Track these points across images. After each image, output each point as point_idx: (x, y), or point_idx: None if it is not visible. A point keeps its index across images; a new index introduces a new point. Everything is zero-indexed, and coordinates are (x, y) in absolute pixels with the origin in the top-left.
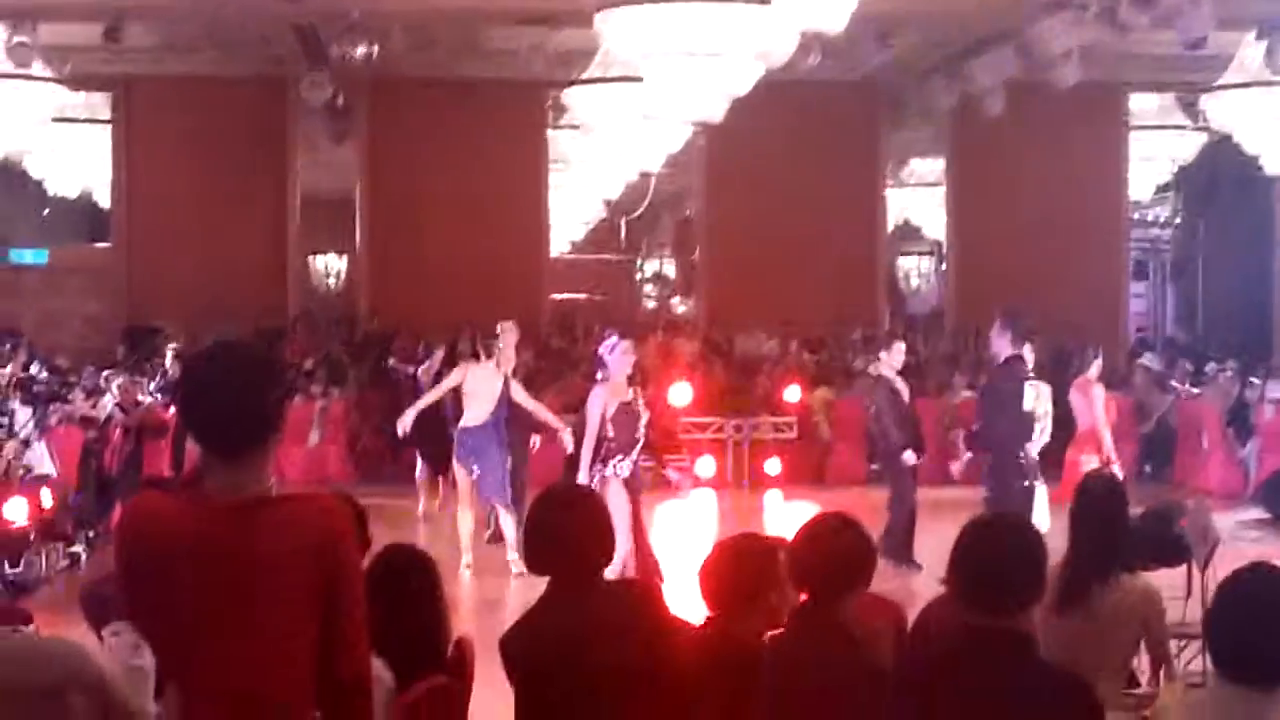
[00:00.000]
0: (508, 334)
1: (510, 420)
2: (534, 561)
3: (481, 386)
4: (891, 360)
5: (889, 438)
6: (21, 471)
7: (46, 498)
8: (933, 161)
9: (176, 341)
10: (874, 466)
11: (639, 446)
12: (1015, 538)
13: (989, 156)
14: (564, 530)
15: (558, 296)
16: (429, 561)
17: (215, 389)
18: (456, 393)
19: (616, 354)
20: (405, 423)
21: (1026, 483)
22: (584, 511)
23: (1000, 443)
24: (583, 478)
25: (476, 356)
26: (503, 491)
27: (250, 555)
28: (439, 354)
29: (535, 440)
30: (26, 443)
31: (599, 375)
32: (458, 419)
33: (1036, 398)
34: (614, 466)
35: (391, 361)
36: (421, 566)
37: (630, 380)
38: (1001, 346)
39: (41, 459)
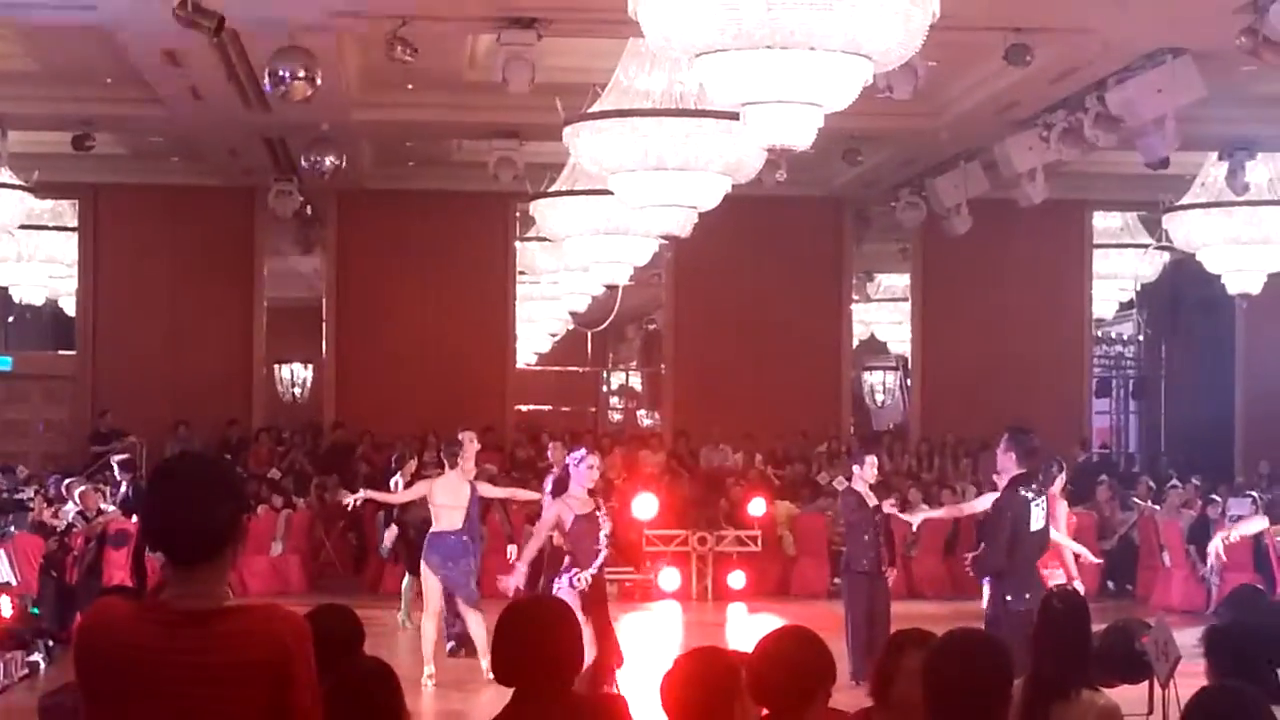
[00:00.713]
0: (467, 443)
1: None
2: (502, 672)
3: (449, 497)
4: (865, 474)
5: (853, 551)
6: None
7: (5, 606)
8: (899, 276)
9: (131, 451)
10: (836, 580)
11: (601, 558)
12: (985, 655)
13: (955, 272)
14: (533, 641)
15: (523, 408)
16: (390, 674)
17: (173, 501)
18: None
19: (581, 467)
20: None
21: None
22: (554, 622)
23: (1001, 566)
24: (511, 583)
25: (441, 467)
26: (470, 592)
27: (201, 667)
28: (411, 465)
29: (511, 550)
30: None
31: (547, 488)
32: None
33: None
34: (571, 579)
35: (360, 495)
36: (382, 678)
37: (591, 492)
38: (1007, 465)
39: (1, 568)
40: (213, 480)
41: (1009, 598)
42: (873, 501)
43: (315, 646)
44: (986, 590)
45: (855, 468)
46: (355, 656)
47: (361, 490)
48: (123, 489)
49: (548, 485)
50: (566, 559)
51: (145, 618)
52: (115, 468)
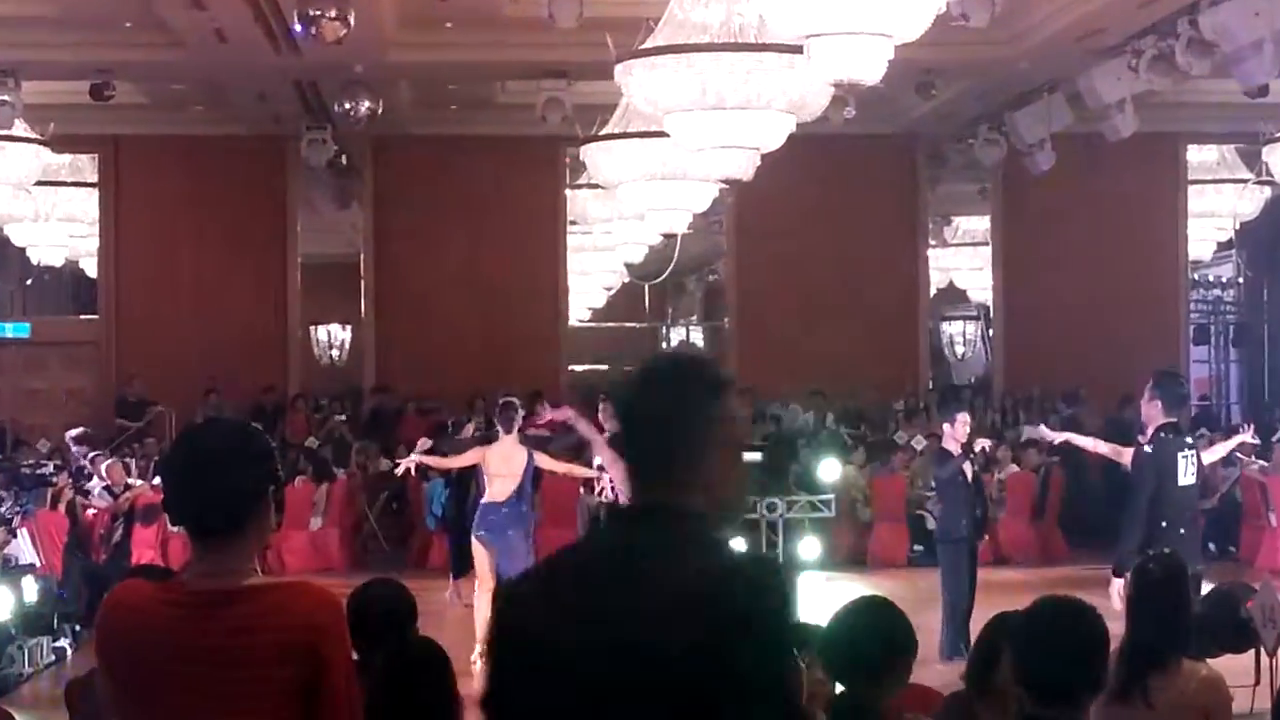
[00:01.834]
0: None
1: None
2: None
3: (504, 464)
4: (956, 432)
5: (949, 517)
6: (2, 562)
7: (30, 589)
8: (978, 219)
9: (160, 420)
10: (917, 548)
11: None
12: (1079, 623)
13: (1038, 214)
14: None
15: (577, 368)
16: (441, 655)
17: (192, 469)
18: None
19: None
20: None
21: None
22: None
23: (1140, 538)
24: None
25: (482, 440)
26: (519, 562)
27: (224, 650)
28: (469, 428)
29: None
30: (9, 531)
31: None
32: None
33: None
34: None
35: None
36: (433, 660)
37: None
38: (1153, 415)
39: (24, 548)
40: (234, 446)
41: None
42: (969, 470)
43: (365, 623)
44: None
45: (945, 425)
46: (406, 635)
47: (413, 454)
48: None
49: (597, 459)
50: None
51: (166, 599)
52: (71, 444)
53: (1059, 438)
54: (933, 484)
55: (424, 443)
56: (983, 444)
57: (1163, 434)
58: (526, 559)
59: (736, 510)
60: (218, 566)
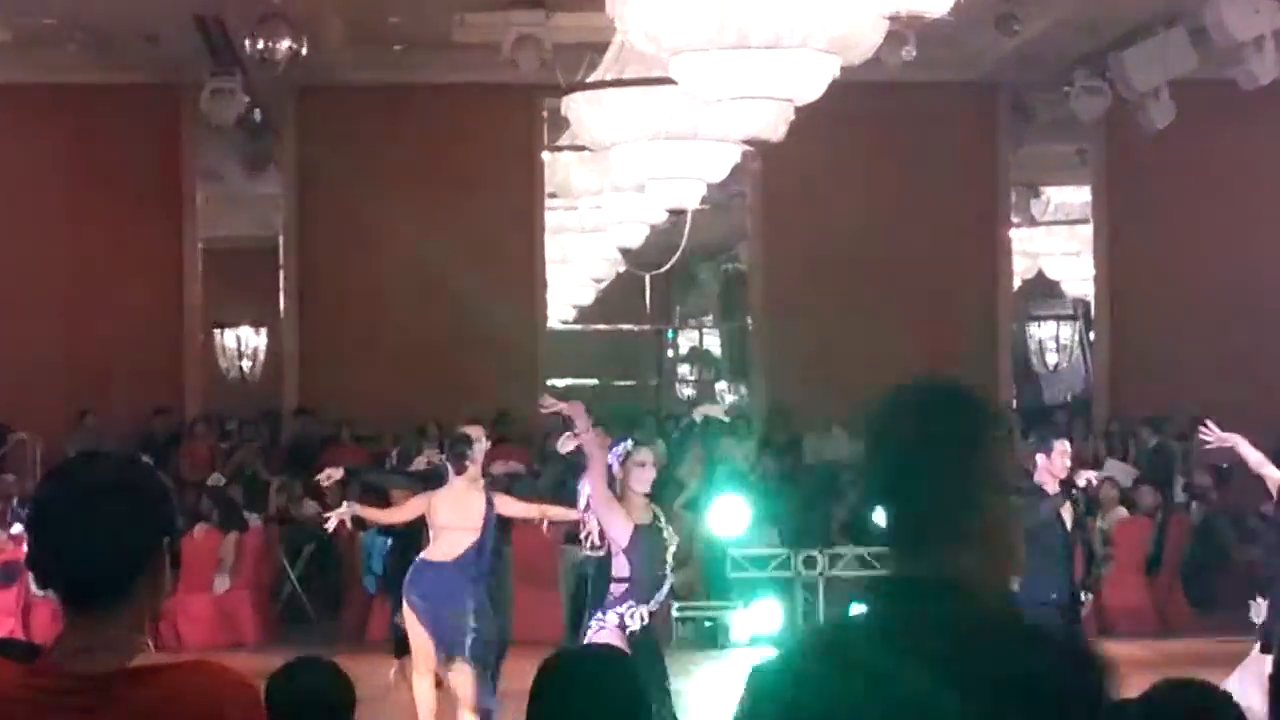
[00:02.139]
0: (477, 442)
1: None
2: None
3: (454, 513)
4: (1054, 466)
5: (1039, 575)
6: None
7: None
8: (1074, 190)
9: (22, 452)
10: None
11: (666, 587)
12: (1210, 716)
13: (1153, 182)
14: (585, 705)
15: (559, 383)
16: None
17: (65, 517)
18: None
19: (631, 466)
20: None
21: None
22: (612, 680)
23: None
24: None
25: (428, 476)
26: (463, 638)
27: None
28: (419, 461)
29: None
30: None
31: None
32: None
33: None
34: (626, 614)
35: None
36: None
37: (649, 498)
38: None
39: None
40: (119, 486)
41: None
42: (1068, 516)
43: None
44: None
45: (1040, 457)
46: None
47: (346, 504)
48: None
49: (584, 491)
50: (616, 587)
51: (33, 685)
52: None
53: (1229, 440)
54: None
55: (333, 474)
56: (1087, 477)
57: None
58: (484, 634)
59: (1014, 573)
60: (97, 641)
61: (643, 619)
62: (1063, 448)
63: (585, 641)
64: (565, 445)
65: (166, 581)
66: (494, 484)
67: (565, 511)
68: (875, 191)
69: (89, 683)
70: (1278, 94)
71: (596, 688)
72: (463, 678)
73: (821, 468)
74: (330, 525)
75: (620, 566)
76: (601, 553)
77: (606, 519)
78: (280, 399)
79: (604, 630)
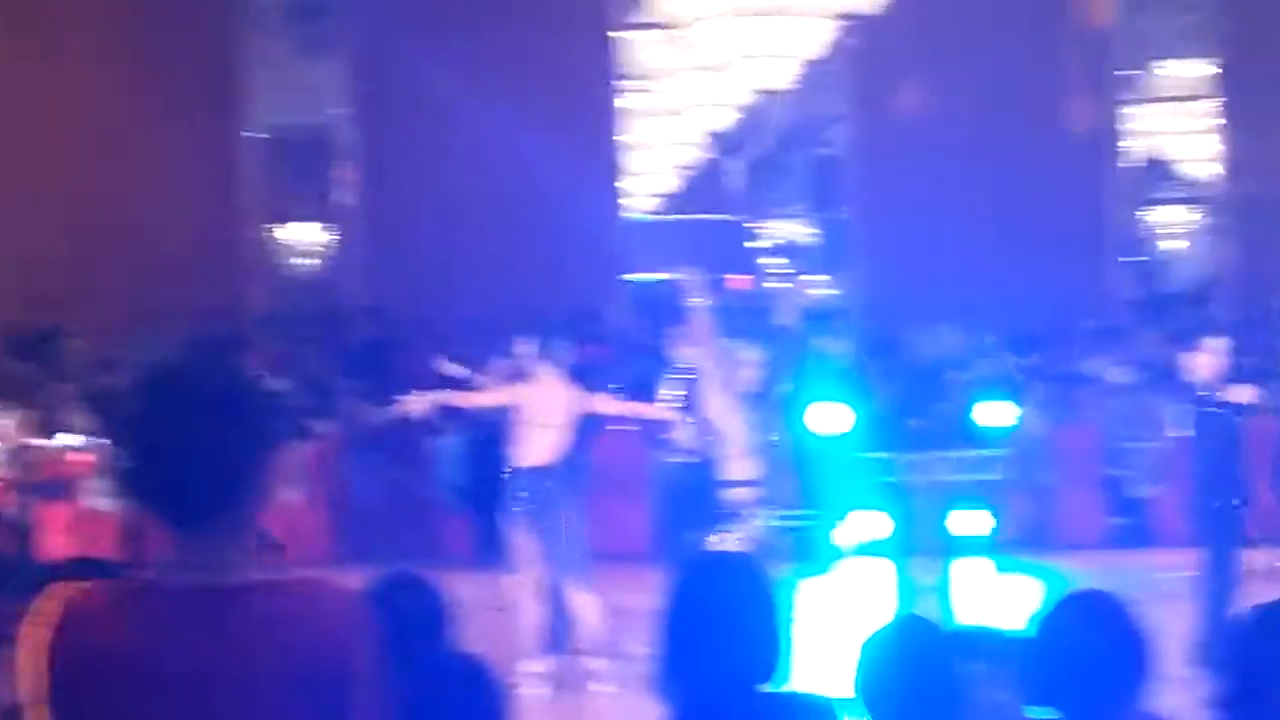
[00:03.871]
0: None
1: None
2: (666, 671)
3: (542, 410)
4: (1208, 364)
5: (1219, 482)
6: None
7: None
8: (1191, 63)
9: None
10: (1115, 520)
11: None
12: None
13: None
14: (721, 619)
15: (636, 277)
16: (488, 676)
17: (168, 435)
18: None
19: (731, 363)
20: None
21: None
22: (750, 588)
23: None
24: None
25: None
26: (580, 563)
27: (221, 667)
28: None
29: None
30: None
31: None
32: None
33: None
34: (751, 521)
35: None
36: (478, 683)
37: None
38: None
39: None
40: (224, 399)
41: None
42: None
43: (386, 633)
44: None
45: (1192, 355)
46: (443, 648)
47: (429, 395)
48: None
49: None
50: (736, 492)
51: (138, 608)
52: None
53: None
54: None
55: (415, 401)
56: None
57: None
58: (583, 544)
59: None
60: (204, 558)
61: (759, 528)
62: (1218, 343)
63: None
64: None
65: (271, 492)
66: (577, 377)
67: (657, 409)
68: (978, 68)
69: (204, 598)
70: None
71: (734, 592)
72: (584, 607)
73: (925, 366)
74: (414, 409)
75: (743, 468)
76: (689, 458)
77: (725, 418)
78: (345, 298)
79: (733, 538)
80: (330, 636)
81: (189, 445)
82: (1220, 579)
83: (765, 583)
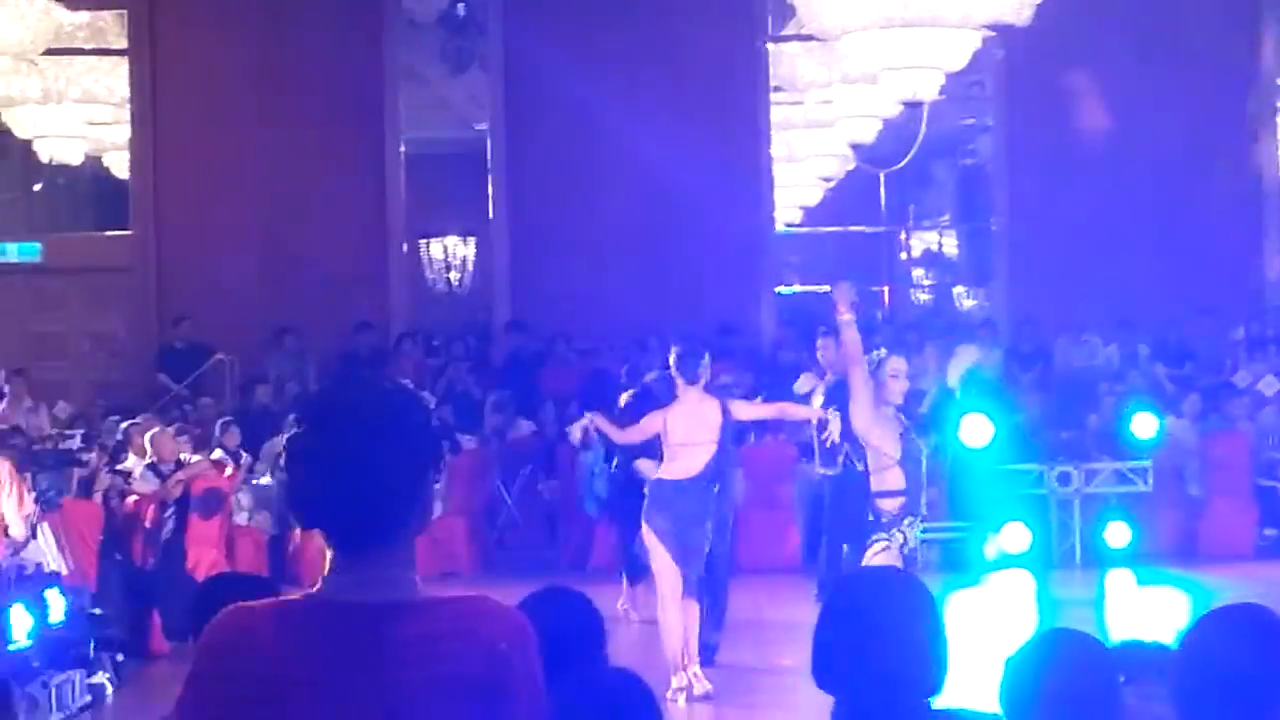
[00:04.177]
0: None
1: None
2: (829, 687)
3: (691, 427)
4: None
5: None
6: (16, 571)
7: (56, 606)
8: None
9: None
10: (1268, 531)
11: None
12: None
13: None
14: (885, 635)
15: (786, 289)
16: (645, 692)
17: (337, 459)
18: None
19: (884, 377)
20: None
21: None
22: (912, 603)
23: None
24: None
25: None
26: (701, 560)
27: (389, 683)
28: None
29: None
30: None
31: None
32: None
33: None
34: (907, 530)
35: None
36: (634, 700)
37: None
38: None
39: (45, 551)
40: (389, 422)
41: None
42: None
43: (543, 650)
44: None
45: None
46: (598, 664)
47: (588, 416)
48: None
49: (817, 404)
50: (888, 502)
51: (302, 623)
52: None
53: None
54: None
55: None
56: None
57: None
58: (728, 556)
59: None
60: (370, 576)
61: (915, 538)
62: None
63: (865, 563)
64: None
65: (433, 510)
66: (723, 392)
67: (807, 409)
68: (1126, 79)
69: (370, 614)
70: None
71: (897, 607)
72: (691, 611)
73: (1074, 376)
74: (575, 437)
75: (894, 479)
76: (837, 470)
77: (877, 430)
78: (491, 312)
79: (887, 551)
80: (495, 654)
81: (356, 466)
82: None
83: (926, 597)
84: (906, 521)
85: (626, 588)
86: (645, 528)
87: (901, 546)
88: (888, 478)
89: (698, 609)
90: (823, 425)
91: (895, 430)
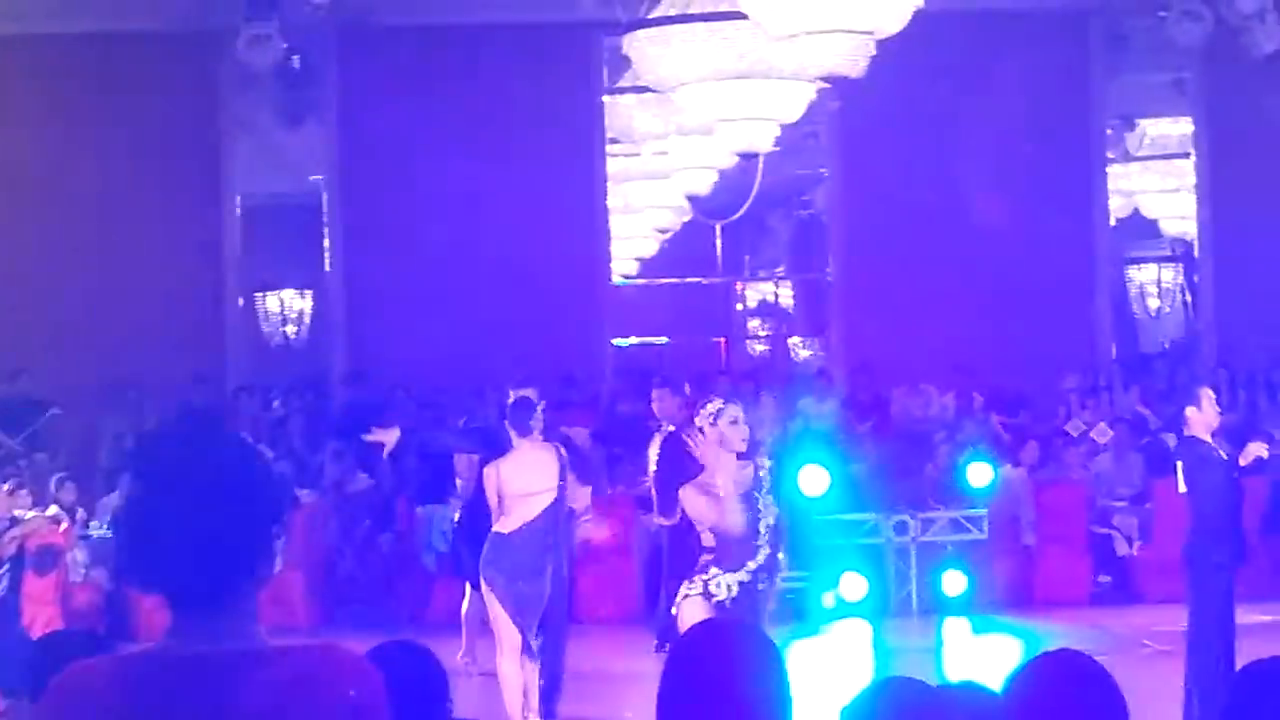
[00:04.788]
0: (537, 404)
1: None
2: None
3: (527, 477)
4: (1206, 415)
5: (1209, 532)
6: None
7: None
8: (1174, 123)
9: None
10: (1102, 578)
11: (761, 557)
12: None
13: (1258, 115)
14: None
15: (623, 342)
16: None
17: (173, 521)
18: None
19: (723, 426)
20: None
21: None
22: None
23: None
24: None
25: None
26: (539, 612)
27: None
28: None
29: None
30: None
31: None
32: None
33: None
34: (714, 583)
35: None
36: None
37: (746, 457)
38: None
39: None
40: (230, 482)
41: None
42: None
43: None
44: None
45: (1190, 409)
46: (439, 717)
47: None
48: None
49: (653, 454)
50: (704, 554)
51: (147, 677)
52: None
53: None
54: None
55: (385, 435)
56: (1256, 454)
57: None
58: (563, 608)
59: None
60: (211, 630)
61: (729, 589)
62: (1208, 395)
63: (671, 609)
64: None
65: (276, 564)
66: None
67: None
68: (962, 130)
69: (214, 665)
70: None
71: (740, 658)
72: (529, 665)
73: (910, 426)
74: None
75: (707, 537)
76: (675, 520)
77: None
78: (329, 364)
79: (689, 599)
80: (344, 702)
81: (194, 538)
82: (1212, 637)
83: (769, 648)
84: (716, 572)
85: (465, 640)
86: (483, 581)
87: (706, 595)
88: (704, 535)
89: (537, 665)
90: (660, 476)
91: (731, 478)
